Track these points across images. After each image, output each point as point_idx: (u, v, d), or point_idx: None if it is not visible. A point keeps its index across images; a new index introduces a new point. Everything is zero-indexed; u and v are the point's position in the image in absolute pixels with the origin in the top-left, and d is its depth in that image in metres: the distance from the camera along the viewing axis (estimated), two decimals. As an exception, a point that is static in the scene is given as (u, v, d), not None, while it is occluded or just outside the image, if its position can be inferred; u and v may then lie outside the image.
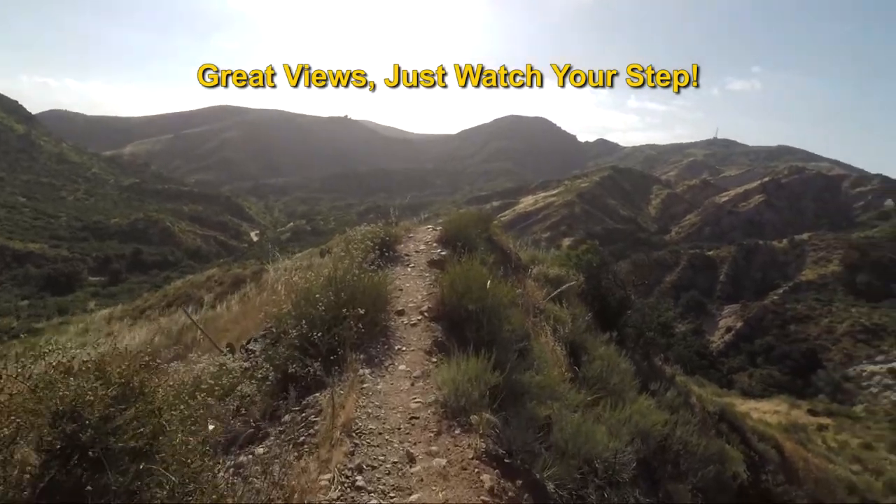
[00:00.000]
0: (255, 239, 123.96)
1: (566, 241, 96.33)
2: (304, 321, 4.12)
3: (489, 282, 4.58)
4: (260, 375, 3.97)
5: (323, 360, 3.90)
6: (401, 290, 5.47)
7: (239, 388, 3.92)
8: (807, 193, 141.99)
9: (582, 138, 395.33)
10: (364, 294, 4.39)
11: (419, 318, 4.79)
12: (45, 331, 25.92)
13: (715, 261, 79.78)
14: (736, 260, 78.79)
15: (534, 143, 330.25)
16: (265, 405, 3.83)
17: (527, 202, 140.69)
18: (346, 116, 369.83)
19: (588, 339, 6.03)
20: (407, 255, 6.73)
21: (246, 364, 4.45)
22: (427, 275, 5.98)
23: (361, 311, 4.09)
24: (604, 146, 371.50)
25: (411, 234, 7.92)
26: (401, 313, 4.86)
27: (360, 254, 6.06)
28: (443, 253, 6.45)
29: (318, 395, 3.70)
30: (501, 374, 3.51)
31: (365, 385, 3.73)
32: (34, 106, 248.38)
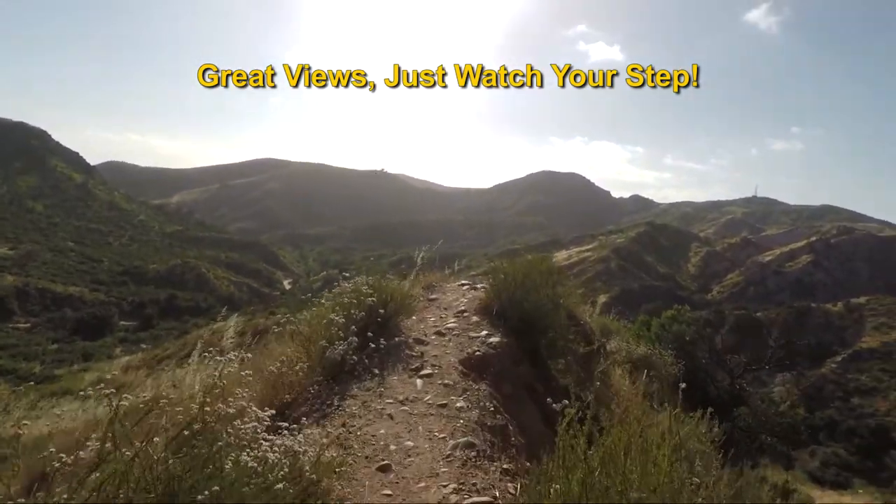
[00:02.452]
0: (288, 287, 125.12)
1: (602, 297, 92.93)
2: None
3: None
4: None
5: None
6: (384, 468, 2.27)
7: None
8: (857, 254, 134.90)
9: (616, 194, 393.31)
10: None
11: None
12: (62, 378, 25.34)
13: (763, 322, 74.78)
14: (787, 323, 73.65)
15: (567, 198, 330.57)
16: None
17: (560, 257, 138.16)
18: (382, 170, 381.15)
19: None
20: (422, 340, 3.76)
21: None
22: (461, 403, 2.82)
23: None
24: (638, 202, 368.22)
25: (434, 296, 5.10)
26: None
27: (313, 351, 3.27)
28: (492, 340, 3.60)
29: None
30: None
31: None
32: (95, 157, 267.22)
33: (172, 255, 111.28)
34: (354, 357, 3.26)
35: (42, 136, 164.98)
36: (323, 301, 3.86)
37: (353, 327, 3.42)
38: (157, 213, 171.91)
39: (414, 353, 3.57)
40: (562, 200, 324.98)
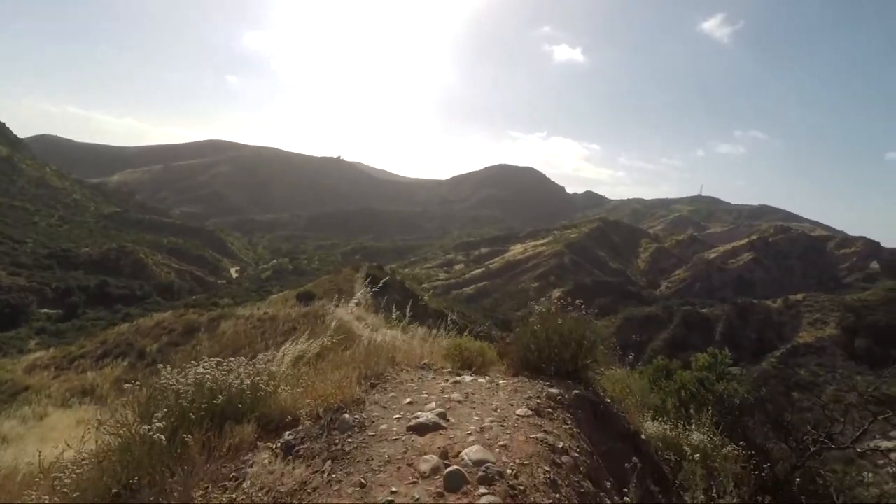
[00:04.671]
0: (235, 276, 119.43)
1: (556, 292, 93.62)
2: None
3: None
4: None
5: None
6: None
7: None
8: (793, 253, 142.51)
9: (570, 190, 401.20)
10: None
11: None
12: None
13: (710, 318, 77.30)
14: (730, 319, 76.37)
15: (523, 192, 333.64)
16: None
17: (516, 250, 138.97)
18: (339, 157, 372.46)
19: None
20: None
21: None
22: None
23: None
24: (591, 198, 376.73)
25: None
26: None
27: None
28: None
29: None
30: None
31: None
32: (26, 130, 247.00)
33: (108, 238, 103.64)
34: None
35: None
36: None
37: None
38: (95, 193, 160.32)
39: None
40: (517, 194, 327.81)
